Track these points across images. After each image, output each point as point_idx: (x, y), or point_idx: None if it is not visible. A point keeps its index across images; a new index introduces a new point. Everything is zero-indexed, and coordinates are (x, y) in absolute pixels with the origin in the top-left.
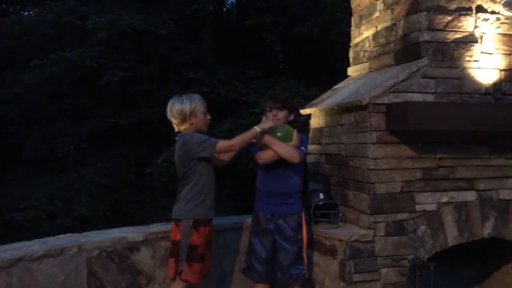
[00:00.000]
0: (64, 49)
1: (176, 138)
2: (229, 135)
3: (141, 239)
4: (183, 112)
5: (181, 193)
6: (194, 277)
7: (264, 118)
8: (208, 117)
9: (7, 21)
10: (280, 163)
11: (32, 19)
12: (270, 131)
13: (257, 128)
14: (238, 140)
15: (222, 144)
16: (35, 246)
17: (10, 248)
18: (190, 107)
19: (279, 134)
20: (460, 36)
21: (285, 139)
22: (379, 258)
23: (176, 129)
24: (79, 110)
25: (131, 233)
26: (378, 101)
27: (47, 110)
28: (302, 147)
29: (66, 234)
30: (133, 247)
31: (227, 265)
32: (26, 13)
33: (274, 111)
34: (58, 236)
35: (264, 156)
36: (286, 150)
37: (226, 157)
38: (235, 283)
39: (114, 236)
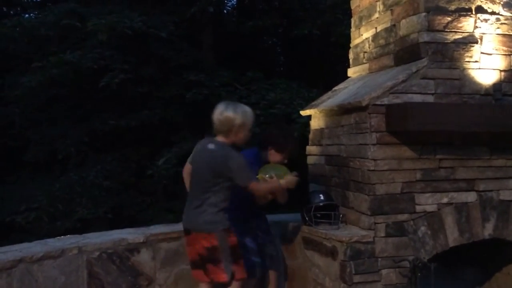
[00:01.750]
0: (64, 51)
1: (212, 145)
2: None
3: (141, 240)
4: (233, 123)
5: (206, 201)
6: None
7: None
8: (250, 133)
9: (7, 23)
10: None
11: (32, 22)
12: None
13: (282, 182)
14: (266, 190)
15: (254, 186)
16: (36, 248)
17: (11, 250)
18: (243, 121)
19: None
20: (460, 36)
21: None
22: (379, 259)
23: (215, 132)
24: (79, 112)
25: (131, 234)
26: (378, 102)
27: (48, 112)
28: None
29: (67, 236)
30: (134, 248)
31: None
32: (26, 15)
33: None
34: (58, 237)
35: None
36: None
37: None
38: None
39: (115, 238)
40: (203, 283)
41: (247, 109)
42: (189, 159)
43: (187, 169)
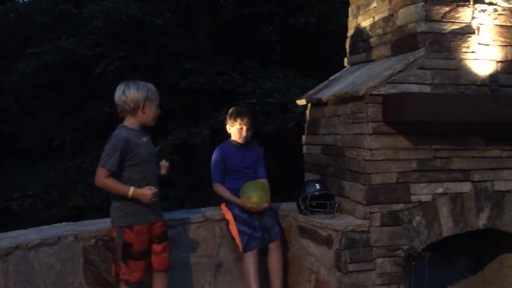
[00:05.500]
0: (59, 38)
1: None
2: (224, 126)
3: None
4: (137, 99)
5: None
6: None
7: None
8: (159, 111)
9: (1, 9)
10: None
11: (27, 7)
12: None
13: (131, 192)
14: (108, 186)
15: (99, 172)
16: (32, 235)
17: (7, 237)
18: (147, 96)
19: (255, 199)
20: (457, 27)
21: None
22: (374, 248)
23: (120, 115)
24: (75, 99)
25: None
26: (375, 92)
27: (42, 99)
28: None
29: (63, 223)
30: None
31: (224, 255)
32: (21, 1)
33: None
34: (54, 225)
35: None
36: None
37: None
38: (232, 272)
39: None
40: None
41: (150, 85)
42: None
43: None
